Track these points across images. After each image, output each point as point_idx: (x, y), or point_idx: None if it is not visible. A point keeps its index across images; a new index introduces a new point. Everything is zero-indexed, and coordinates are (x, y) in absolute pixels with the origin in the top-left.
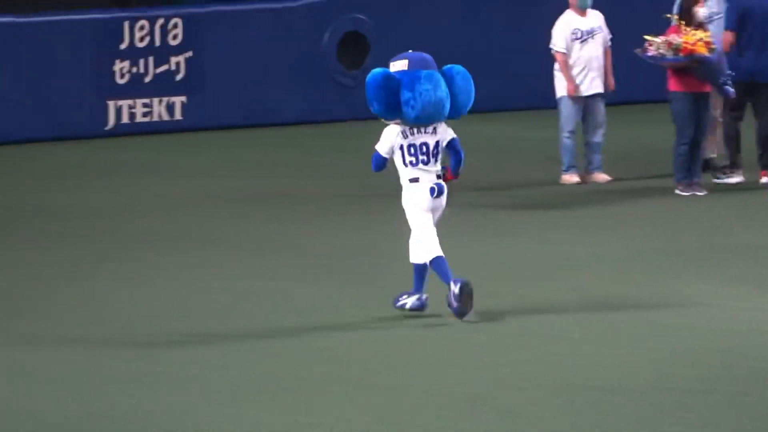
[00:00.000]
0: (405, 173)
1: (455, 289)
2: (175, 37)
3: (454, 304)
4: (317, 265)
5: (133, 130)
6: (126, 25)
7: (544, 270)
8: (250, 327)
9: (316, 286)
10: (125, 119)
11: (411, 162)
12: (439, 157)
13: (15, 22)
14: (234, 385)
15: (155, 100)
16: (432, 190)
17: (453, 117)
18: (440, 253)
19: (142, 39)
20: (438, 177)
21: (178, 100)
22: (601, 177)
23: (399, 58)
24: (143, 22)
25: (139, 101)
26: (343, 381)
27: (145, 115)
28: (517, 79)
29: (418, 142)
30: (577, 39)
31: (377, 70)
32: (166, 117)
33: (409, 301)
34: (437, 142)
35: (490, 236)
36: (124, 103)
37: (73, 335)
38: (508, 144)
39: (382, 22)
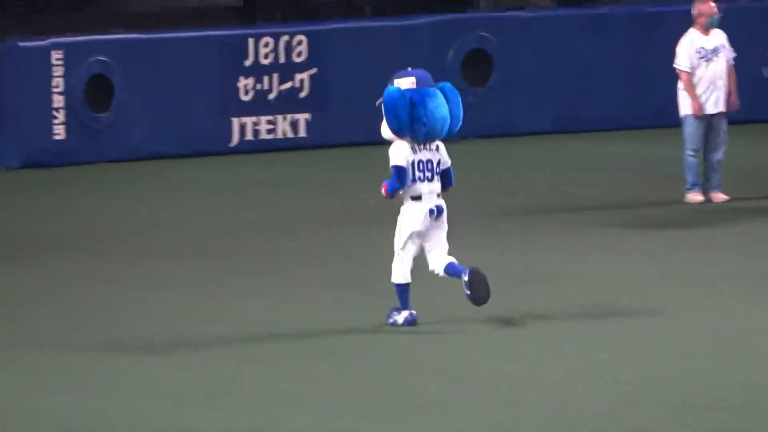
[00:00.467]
0: (410, 190)
1: (402, 316)
2: (299, 54)
3: (467, 292)
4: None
5: (256, 147)
6: (251, 42)
7: (671, 288)
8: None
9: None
10: (249, 136)
11: (419, 178)
12: (445, 176)
13: (141, 39)
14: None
15: (279, 117)
16: (431, 211)
17: (449, 133)
18: (410, 279)
19: (266, 56)
20: (438, 196)
21: (302, 117)
22: (719, 197)
23: (404, 74)
24: (268, 39)
25: (263, 118)
26: (469, 396)
27: (269, 132)
28: (641, 97)
29: (425, 159)
30: (701, 58)
31: (392, 88)
32: (290, 134)
33: (400, 318)
34: (439, 161)
35: (616, 255)
36: (248, 120)
37: (204, 349)
38: (631, 163)
39: (506, 40)
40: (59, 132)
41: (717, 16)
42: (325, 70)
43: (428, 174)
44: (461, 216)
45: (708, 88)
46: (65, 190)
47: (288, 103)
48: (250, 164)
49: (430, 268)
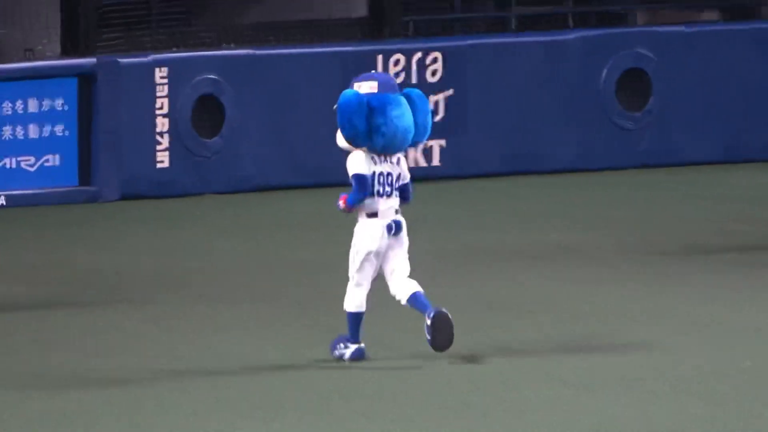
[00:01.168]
0: (365, 206)
1: (350, 351)
2: (434, 73)
3: (427, 336)
4: (601, 332)
5: None
6: (379, 59)
7: None
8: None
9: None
10: None
11: (378, 192)
12: (404, 190)
13: (255, 55)
14: None
15: None
16: (389, 227)
17: (413, 144)
18: (363, 309)
19: (396, 75)
20: (396, 212)
21: (436, 144)
22: None
23: (365, 78)
24: (398, 56)
25: None
26: None
27: None
28: None
29: (385, 171)
30: None
31: (350, 91)
32: (422, 163)
33: (348, 352)
34: (399, 175)
35: None
36: None
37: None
38: None
39: (667, 58)
40: (162, 159)
41: None
42: (463, 91)
43: (387, 188)
44: (609, 254)
45: None
46: (168, 225)
47: None
48: None
49: (392, 292)
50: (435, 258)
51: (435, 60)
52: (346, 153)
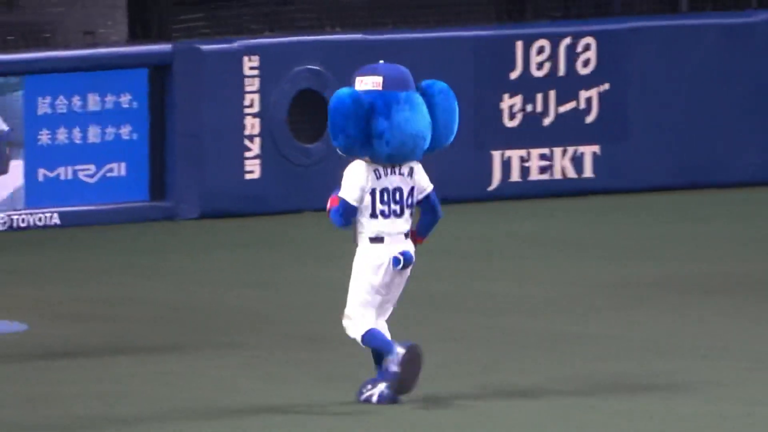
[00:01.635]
0: (368, 228)
1: (399, 352)
2: (585, 63)
3: (394, 368)
4: None
5: (525, 191)
6: (519, 46)
7: None
8: None
9: None
10: (515, 176)
11: (382, 212)
12: (413, 209)
13: (366, 40)
14: None
15: (557, 151)
16: (396, 261)
17: (431, 149)
18: (372, 325)
19: (540, 66)
20: (406, 236)
21: (589, 151)
22: None
23: (368, 71)
24: (542, 42)
25: (535, 152)
26: None
27: (542, 170)
28: None
29: (391, 187)
30: None
31: (344, 90)
32: (571, 174)
33: (376, 392)
34: (412, 189)
35: None
36: (514, 154)
37: None
38: None
39: None
40: (252, 169)
41: None
42: (621, 85)
43: (395, 207)
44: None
45: None
46: (259, 249)
47: (569, 131)
48: (514, 215)
49: None
50: (589, 291)
51: (587, 47)
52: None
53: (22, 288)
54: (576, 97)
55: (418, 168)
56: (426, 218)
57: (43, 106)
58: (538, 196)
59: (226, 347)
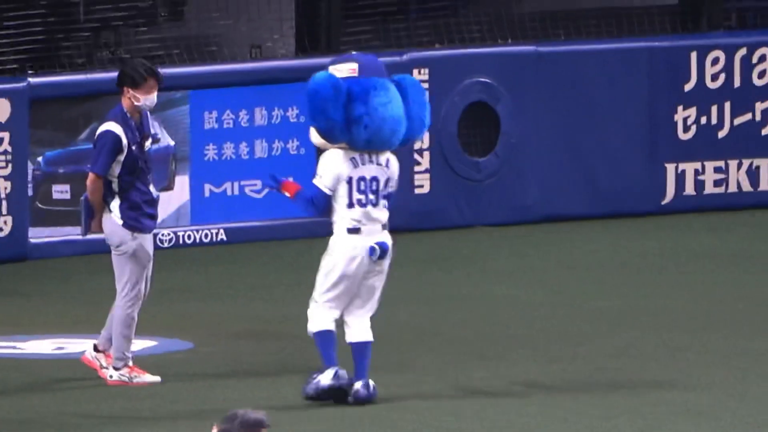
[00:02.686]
0: (344, 218)
1: (324, 378)
2: (762, 74)
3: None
4: None
5: (699, 205)
6: (693, 56)
7: None
8: None
9: None
10: (689, 190)
11: (359, 201)
12: (388, 200)
13: (538, 52)
14: None
15: (732, 164)
16: (372, 250)
17: (405, 142)
18: (331, 327)
19: (715, 77)
20: (383, 228)
21: (765, 164)
22: None
23: (343, 59)
24: (717, 53)
25: (710, 164)
26: None
27: (717, 184)
28: None
29: (368, 176)
30: None
31: (321, 74)
32: (746, 187)
33: (324, 378)
34: (388, 180)
35: None
36: (689, 167)
37: None
38: None
39: None
40: (422, 184)
41: None
42: None
43: (371, 197)
44: None
45: None
46: (429, 266)
47: (745, 143)
48: (688, 229)
49: (347, 336)
50: (764, 307)
51: (763, 58)
52: (322, 151)
53: (188, 305)
54: (752, 109)
55: (394, 161)
56: None
57: (209, 121)
58: (712, 209)
59: (396, 366)
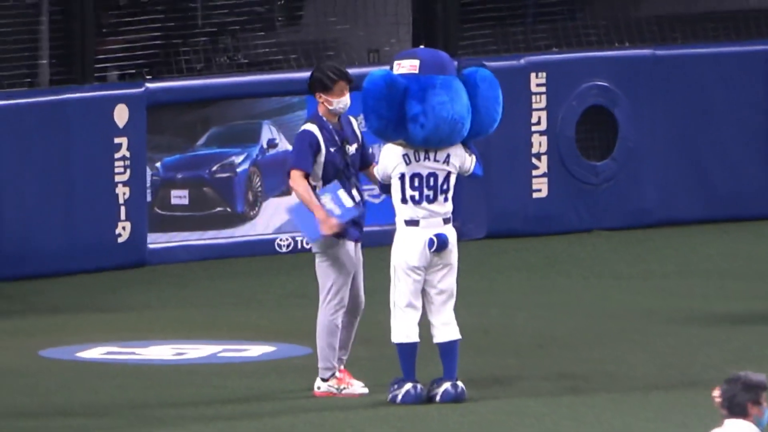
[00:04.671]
0: (402, 212)
1: (403, 392)
2: None
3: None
4: None
5: None
6: None
7: None
8: None
9: None
10: None
11: (413, 198)
12: (450, 194)
13: (656, 56)
14: None
15: None
16: (431, 242)
17: (473, 137)
18: (412, 339)
19: None
20: (446, 222)
21: None
22: None
23: (406, 55)
24: None
25: None
26: None
27: None
28: None
29: (425, 172)
30: None
31: (378, 72)
32: None
33: (401, 393)
34: (448, 174)
35: None
36: None
37: None
38: None
39: None
40: (539, 188)
41: None
42: None
43: (428, 192)
44: None
45: None
46: (547, 270)
47: None
48: None
49: (433, 338)
50: None
51: None
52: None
53: (307, 311)
54: None
55: (457, 151)
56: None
57: None
58: None
59: (517, 369)
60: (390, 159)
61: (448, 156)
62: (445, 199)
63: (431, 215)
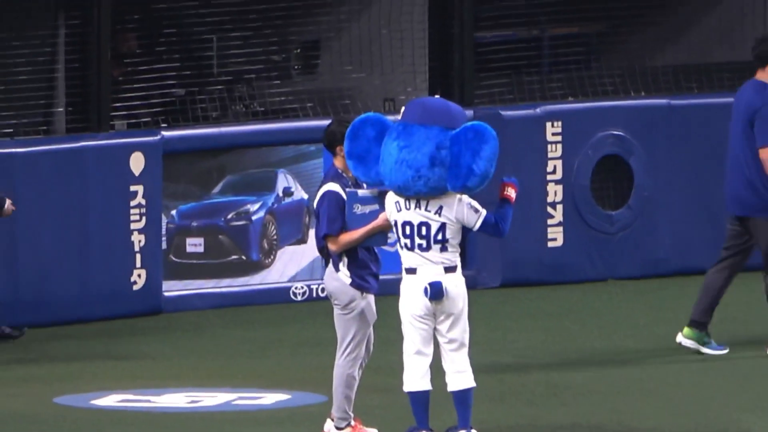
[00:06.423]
0: (402, 260)
1: None
2: None
3: None
4: None
5: None
6: None
7: None
8: None
9: None
10: None
11: (406, 245)
12: (451, 243)
13: (672, 105)
14: None
15: None
16: (425, 290)
17: (458, 190)
18: (423, 387)
19: None
20: (447, 270)
21: None
22: None
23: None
24: None
25: None
26: None
27: None
28: None
29: (416, 221)
30: None
31: (366, 114)
32: None
33: None
34: (443, 225)
35: None
36: None
37: None
38: None
39: None
40: (555, 237)
41: None
42: None
43: (420, 242)
44: None
45: None
46: (561, 319)
47: None
48: None
49: (447, 387)
50: None
51: None
52: None
53: (322, 359)
54: None
55: (454, 203)
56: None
57: None
58: None
59: (531, 419)
60: (388, 205)
61: (441, 207)
62: (443, 249)
63: (428, 263)
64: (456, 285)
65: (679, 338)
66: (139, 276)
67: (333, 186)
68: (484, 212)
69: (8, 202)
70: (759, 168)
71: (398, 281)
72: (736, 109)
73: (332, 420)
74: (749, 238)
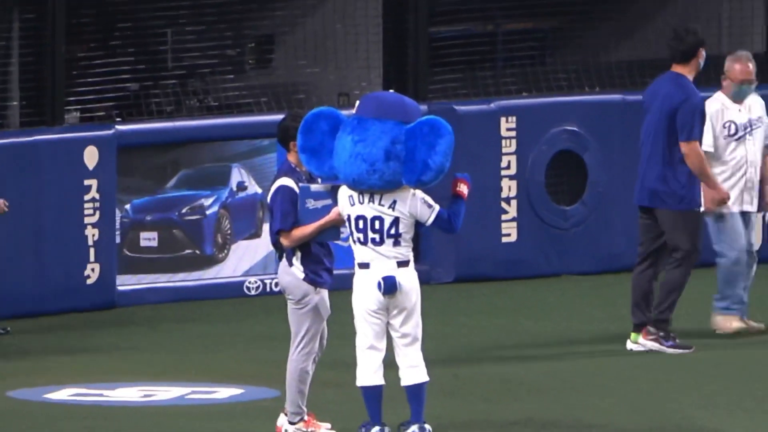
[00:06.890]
0: (355, 255)
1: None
2: None
3: None
4: None
5: None
6: None
7: None
8: None
9: None
10: None
11: (359, 239)
12: (404, 238)
13: (626, 101)
14: None
15: None
16: (378, 284)
17: (413, 184)
18: (376, 382)
19: None
20: (400, 265)
21: None
22: None
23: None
24: None
25: None
26: None
27: None
28: None
29: (369, 215)
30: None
31: (319, 108)
32: None
33: None
34: (396, 220)
35: None
36: None
37: None
38: None
39: None
40: (509, 232)
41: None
42: None
43: (373, 236)
44: None
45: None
46: (516, 314)
47: None
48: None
49: (401, 381)
50: None
51: None
52: None
53: (275, 353)
54: None
55: (408, 197)
56: (443, 228)
57: None
58: None
59: (485, 414)
60: (341, 200)
61: (395, 202)
62: (395, 243)
63: (381, 258)
64: (409, 279)
65: (629, 345)
66: (93, 270)
67: (286, 181)
68: (437, 207)
69: (1, 201)
70: (674, 160)
71: (351, 276)
72: (651, 102)
73: (285, 414)
74: (660, 230)
